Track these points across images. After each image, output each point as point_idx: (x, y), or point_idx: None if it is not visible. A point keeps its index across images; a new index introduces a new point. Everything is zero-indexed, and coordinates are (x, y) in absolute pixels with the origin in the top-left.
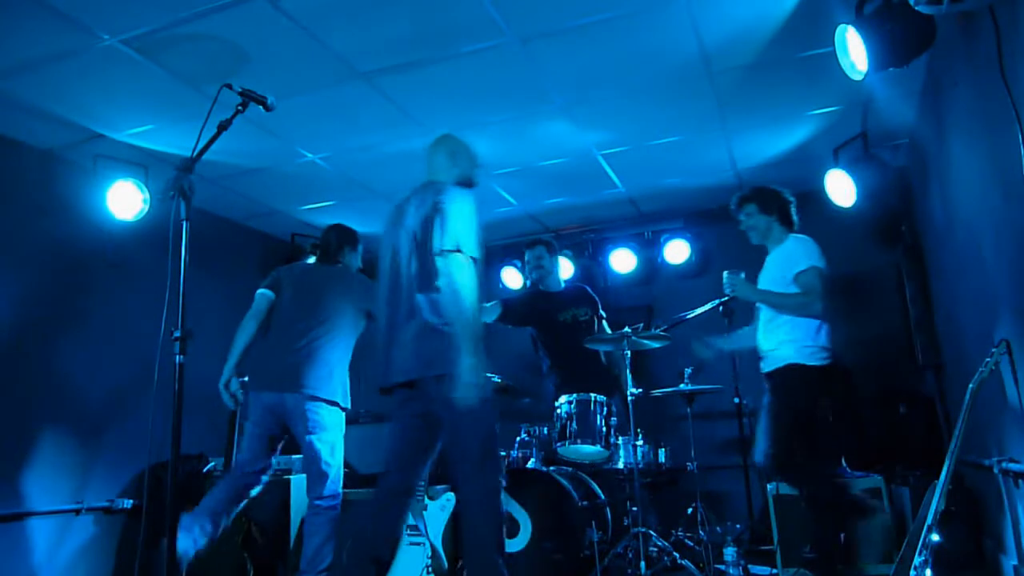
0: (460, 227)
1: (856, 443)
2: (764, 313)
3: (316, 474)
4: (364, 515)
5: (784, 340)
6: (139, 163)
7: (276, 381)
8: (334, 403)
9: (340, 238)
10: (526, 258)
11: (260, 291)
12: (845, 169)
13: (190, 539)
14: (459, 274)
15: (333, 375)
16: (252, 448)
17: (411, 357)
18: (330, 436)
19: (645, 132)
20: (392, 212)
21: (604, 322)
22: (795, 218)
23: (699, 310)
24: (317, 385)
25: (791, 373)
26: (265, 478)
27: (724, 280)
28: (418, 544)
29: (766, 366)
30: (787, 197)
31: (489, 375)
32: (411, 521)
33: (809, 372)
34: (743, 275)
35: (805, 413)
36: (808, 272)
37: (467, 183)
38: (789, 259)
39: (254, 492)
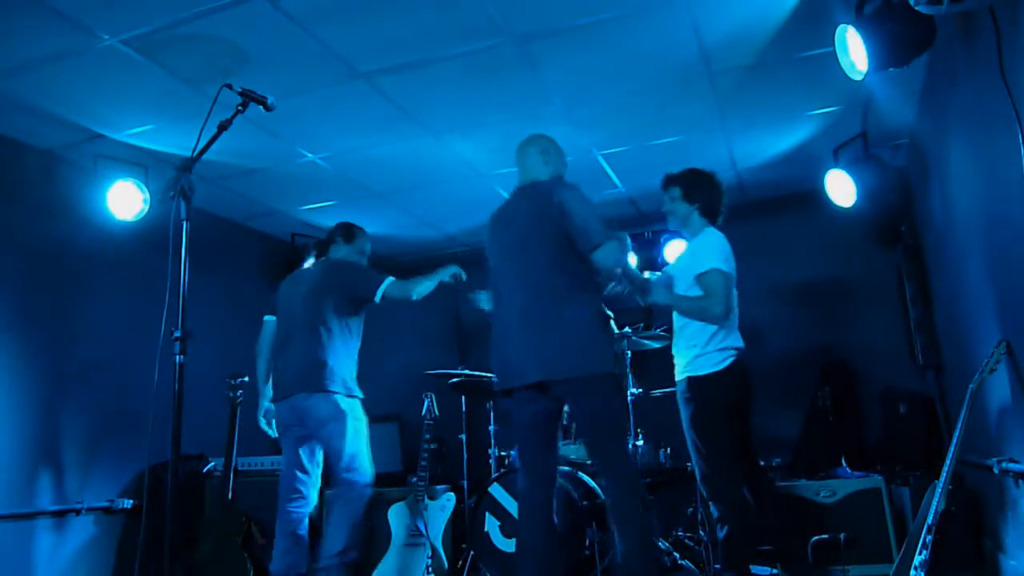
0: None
1: (856, 443)
2: (676, 316)
3: (330, 466)
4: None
5: (682, 348)
6: (139, 163)
7: (283, 388)
8: (333, 392)
9: (333, 232)
10: None
11: (265, 318)
12: (845, 169)
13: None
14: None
15: (327, 367)
16: (288, 461)
17: (542, 356)
18: (334, 427)
19: (645, 132)
20: (498, 219)
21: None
22: (721, 210)
23: None
24: (309, 382)
25: (690, 388)
26: (305, 488)
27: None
28: (418, 544)
29: (676, 376)
30: (716, 187)
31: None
32: (410, 521)
33: (704, 381)
34: (659, 276)
35: (713, 424)
36: (708, 275)
37: (560, 179)
38: (695, 257)
39: (308, 508)
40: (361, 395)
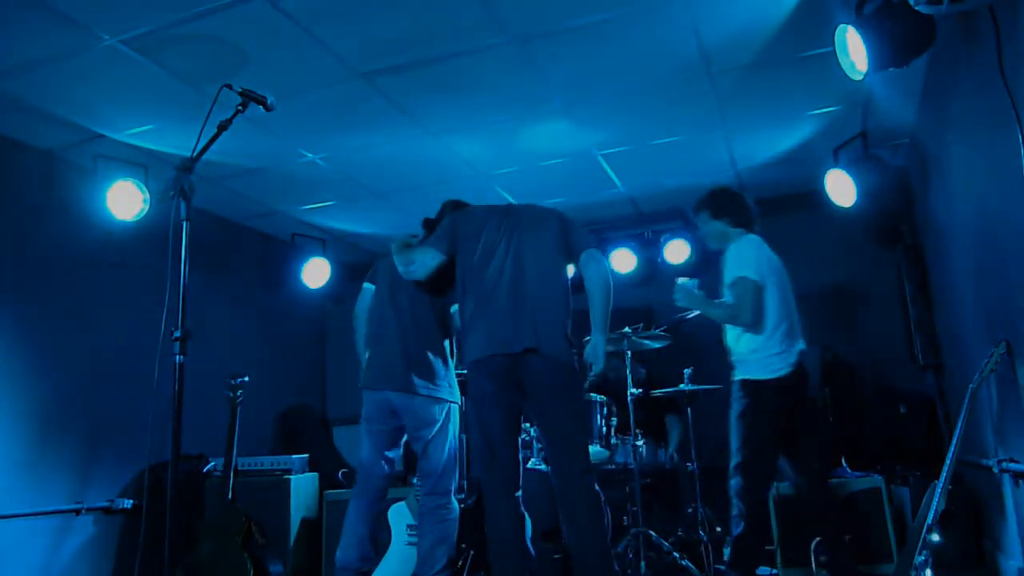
0: None
1: (856, 443)
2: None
3: (421, 471)
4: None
5: (735, 352)
6: (139, 163)
7: (382, 380)
8: (439, 397)
9: (444, 210)
10: None
11: (364, 284)
12: (845, 169)
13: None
14: None
15: (423, 367)
16: (372, 447)
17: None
18: (429, 432)
19: (645, 132)
20: (498, 212)
21: None
22: (751, 217)
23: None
24: (410, 381)
25: (743, 389)
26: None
27: (675, 287)
28: (414, 544)
29: (733, 376)
30: (736, 196)
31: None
32: (411, 521)
33: (758, 386)
34: (694, 283)
35: (758, 427)
36: (736, 284)
37: None
38: (726, 268)
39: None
40: (459, 400)
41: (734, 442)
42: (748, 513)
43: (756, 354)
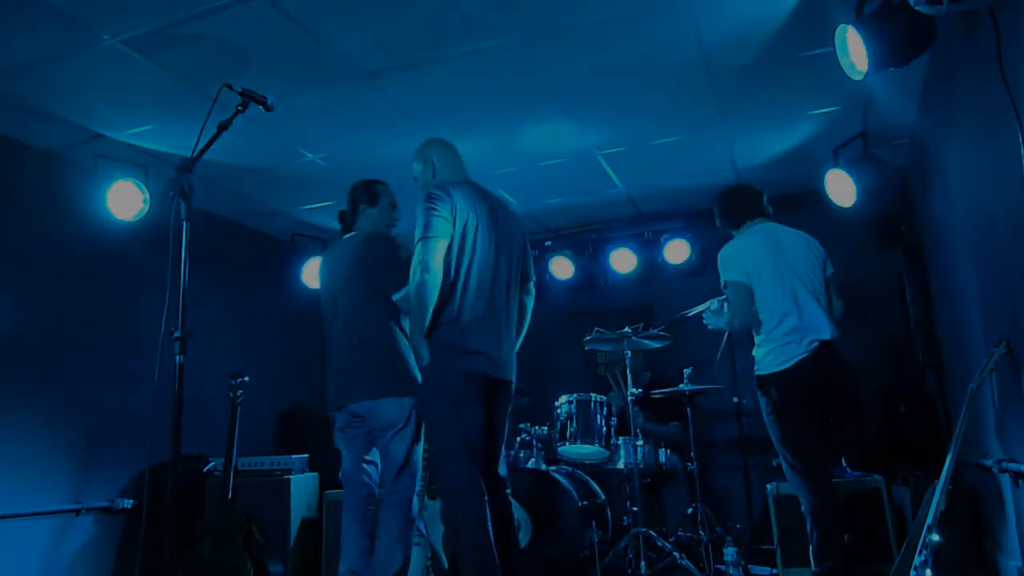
0: None
1: (856, 443)
2: None
3: (386, 471)
4: None
5: (756, 347)
6: (139, 163)
7: (345, 395)
8: (388, 395)
9: (353, 197)
10: None
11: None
12: (845, 169)
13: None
14: None
15: (379, 368)
16: (350, 453)
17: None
18: (394, 431)
19: (645, 132)
20: (487, 203)
21: None
22: (748, 210)
23: (698, 309)
24: (366, 388)
25: (757, 388)
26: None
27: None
28: (418, 545)
29: None
30: (728, 197)
31: None
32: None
33: (767, 380)
34: (720, 306)
35: (777, 420)
36: (724, 289)
37: None
38: None
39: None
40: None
41: (775, 441)
42: (816, 503)
43: (761, 349)
